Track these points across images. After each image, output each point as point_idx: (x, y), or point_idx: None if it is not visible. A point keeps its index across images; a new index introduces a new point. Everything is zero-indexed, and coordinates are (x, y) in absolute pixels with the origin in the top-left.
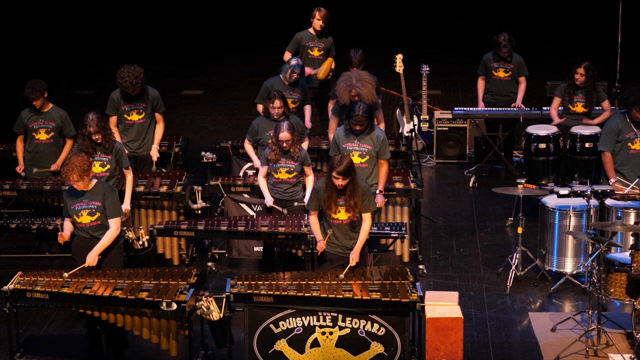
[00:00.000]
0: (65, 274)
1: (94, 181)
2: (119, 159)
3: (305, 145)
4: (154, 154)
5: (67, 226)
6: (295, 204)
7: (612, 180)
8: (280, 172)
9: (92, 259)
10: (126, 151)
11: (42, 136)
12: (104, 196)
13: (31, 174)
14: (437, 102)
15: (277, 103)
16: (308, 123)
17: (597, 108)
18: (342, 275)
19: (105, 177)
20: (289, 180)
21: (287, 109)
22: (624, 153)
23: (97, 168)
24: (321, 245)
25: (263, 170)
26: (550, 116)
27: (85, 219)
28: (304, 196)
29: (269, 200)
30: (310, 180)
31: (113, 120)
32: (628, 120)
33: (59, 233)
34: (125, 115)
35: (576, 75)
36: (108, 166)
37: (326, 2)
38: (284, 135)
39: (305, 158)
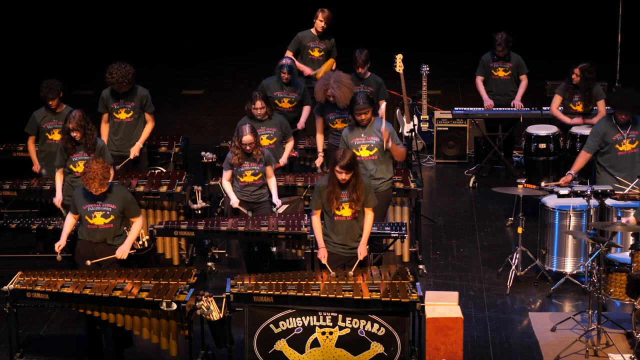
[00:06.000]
0: (88, 262)
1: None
2: (101, 157)
3: (290, 144)
4: (134, 151)
5: (68, 225)
6: (274, 209)
7: (572, 173)
8: (245, 175)
9: (124, 252)
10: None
11: (56, 136)
12: (124, 201)
13: (48, 172)
14: (437, 102)
15: (258, 104)
16: (302, 124)
17: (595, 108)
18: (351, 273)
19: None
20: (255, 183)
21: (270, 108)
22: (612, 155)
23: (79, 167)
24: (323, 254)
25: (227, 175)
26: (559, 118)
27: (98, 220)
28: (271, 198)
29: (234, 202)
30: (272, 182)
31: (105, 117)
32: (614, 122)
33: (56, 244)
34: (114, 114)
35: (573, 75)
36: None
37: (326, 2)
38: (247, 138)
39: (268, 158)
